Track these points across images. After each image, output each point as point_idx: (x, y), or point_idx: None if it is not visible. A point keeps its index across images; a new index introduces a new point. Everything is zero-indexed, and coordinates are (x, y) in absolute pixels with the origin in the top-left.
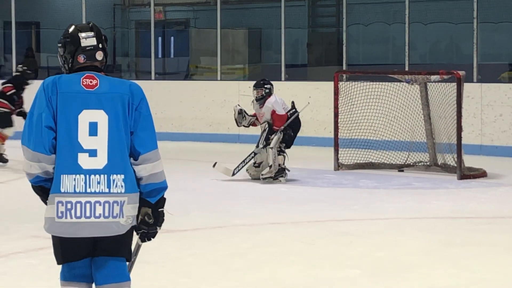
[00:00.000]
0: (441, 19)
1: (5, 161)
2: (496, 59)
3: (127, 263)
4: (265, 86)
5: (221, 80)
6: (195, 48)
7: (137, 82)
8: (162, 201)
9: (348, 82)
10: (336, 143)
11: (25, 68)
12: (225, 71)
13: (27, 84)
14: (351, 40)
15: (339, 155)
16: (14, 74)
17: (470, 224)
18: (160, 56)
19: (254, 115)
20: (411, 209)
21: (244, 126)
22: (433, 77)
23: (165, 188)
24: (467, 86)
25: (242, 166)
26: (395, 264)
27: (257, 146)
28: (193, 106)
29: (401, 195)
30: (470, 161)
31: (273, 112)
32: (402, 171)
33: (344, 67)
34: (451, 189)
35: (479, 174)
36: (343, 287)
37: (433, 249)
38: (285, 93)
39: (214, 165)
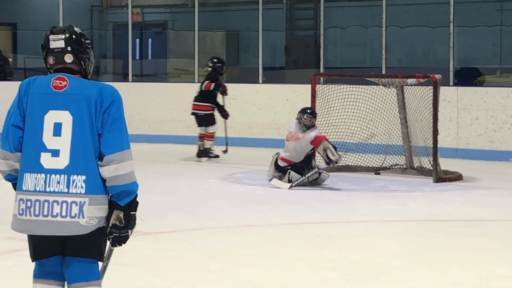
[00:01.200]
0: (418, 23)
1: (214, 156)
2: (472, 63)
3: (100, 263)
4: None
5: (198, 82)
6: (173, 50)
7: (114, 83)
8: (134, 205)
9: (325, 85)
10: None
11: None
12: (202, 73)
13: None
14: (328, 43)
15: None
16: None
17: (446, 227)
18: (137, 58)
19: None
20: (387, 212)
21: None
22: (409, 81)
23: (133, 191)
24: (443, 90)
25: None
26: (372, 266)
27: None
28: (170, 108)
29: (378, 198)
30: (446, 164)
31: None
32: (379, 174)
33: (322, 70)
34: (427, 192)
35: (455, 177)
36: None
37: (410, 251)
38: (263, 96)
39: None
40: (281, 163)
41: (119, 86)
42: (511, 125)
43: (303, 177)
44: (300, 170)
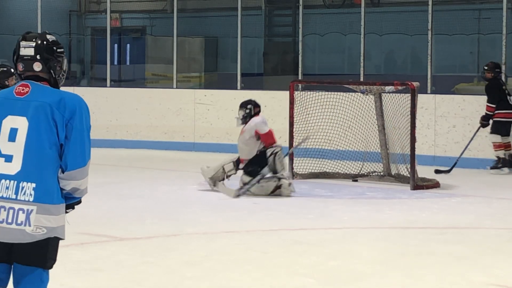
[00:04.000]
0: (396, 30)
1: None
2: (450, 71)
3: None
4: (247, 106)
5: (177, 88)
6: (151, 56)
7: (92, 89)
8: (73, 204)
9: (303, 92)
10: (291, 152)
11: None
12: (181, 79)
13: None
14: (307, 49)
15: (293, 164)
16: None
17: (423, 234)
18: (116, 63)
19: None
20: (365, 219)
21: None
22: (387, 88)
23: (80, 202)
24: (421, 97)
25: (247, 189)
26: (349, 273)
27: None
28: (148, 113)
29: (355, 205)
30: (423, 171)
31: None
32: (356, 180)
33: (300, 77)
34: (404, 199)
35: (432, 184)
36: None
37: (387, 258)
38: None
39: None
40: (241, 165)
41: (97, 91)
42: (488, 133)
43: (248, 185)
44: (253, 172)
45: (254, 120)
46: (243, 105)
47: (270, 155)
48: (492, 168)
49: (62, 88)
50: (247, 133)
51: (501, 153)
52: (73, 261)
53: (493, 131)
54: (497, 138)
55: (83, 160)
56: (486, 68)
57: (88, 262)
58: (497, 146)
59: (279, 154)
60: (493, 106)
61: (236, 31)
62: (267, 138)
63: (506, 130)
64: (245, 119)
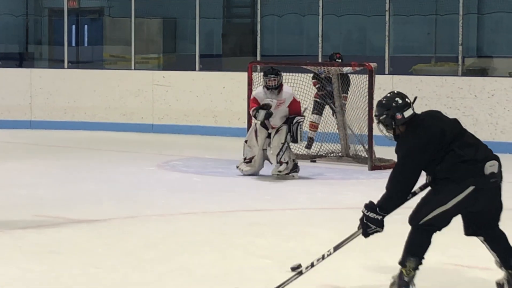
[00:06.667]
0: (354, 11)
1: None
2: (407, 52)
3: None
4: (280, 73)
5: (135, 69)
6: (109, 37)
7: (49, 70)
8: None
9: (262, 73)
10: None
11: None
12: (139, 61)
13: None
14: (265, 31)
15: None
16: None
17: None
18: (74, 44)
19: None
20: (322, 200)
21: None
22: (345, 69)
23: None
24: (378, 78)
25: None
26: (306, 254)
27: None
28: (106, 95)
29: (313, 185)
30: (381, 152)
31: (294, 99)
32: (315, 161)
33: (259, 58)
34: (362, 180)
35: (390, 164)
36: (254, 277)
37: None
38: (199, 84)
39: None
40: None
41: (54, 73)
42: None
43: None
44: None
45: (286, 88)
46: (277, 72)
47: (295, 123)
48: None
49: (17, 70)
50: (288, 101)
51: None
52: (30, 244)
53: None
54: None
55: None
56: None
57: (45, 245)
58: None
59: (302, 124)
60: None
61: (195, 12)
62: (299, 106)
63: None
64: (277, 88)
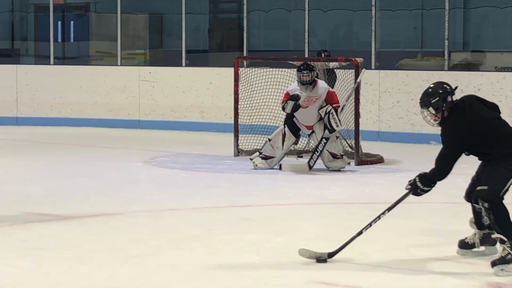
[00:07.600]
0: (341, 6)
1: None
2: (394, 46)
3: None
4: (314, 68)
5: (121, 65)
6: (95, 33)
7: (35, 66)
8: None
9: (248, 68)
10: (236, 129)
11: None
12: (125, 56)
13: None
14: (252, 26)
15: (239, 141)
16: None
17: (367, 210)
18: (60, 40)
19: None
20: (309, 195)
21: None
22: (331, 64)
23: None
24: (365, 73)
25: (318, 157)
26: (294, 249)
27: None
28: (93, 91)
29: (300, 181)
30: (367, 147)
31: (330, 92)
32: (301, 157)
33: (245, 53)
34: (349, 175)
35: (376, 159)
36: (242, 272)
37: (331, 234)
38: (186, 79)
39: (280, 168)
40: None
41: (40, 69)
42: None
43: (316, 153)
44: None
45: (321, 83)
46: (311, 68)
47: (325, 115)
48: None
49: (3, 66)
50: (323, 96)
51: None
52: (16, 240)
53: None
54: None
55: None
56: None
57: (32, 241)
58: None
59: (332, 112)
60: None
61: (181, 7)
62: (336, 97)
63: None
64: (311, 83)
